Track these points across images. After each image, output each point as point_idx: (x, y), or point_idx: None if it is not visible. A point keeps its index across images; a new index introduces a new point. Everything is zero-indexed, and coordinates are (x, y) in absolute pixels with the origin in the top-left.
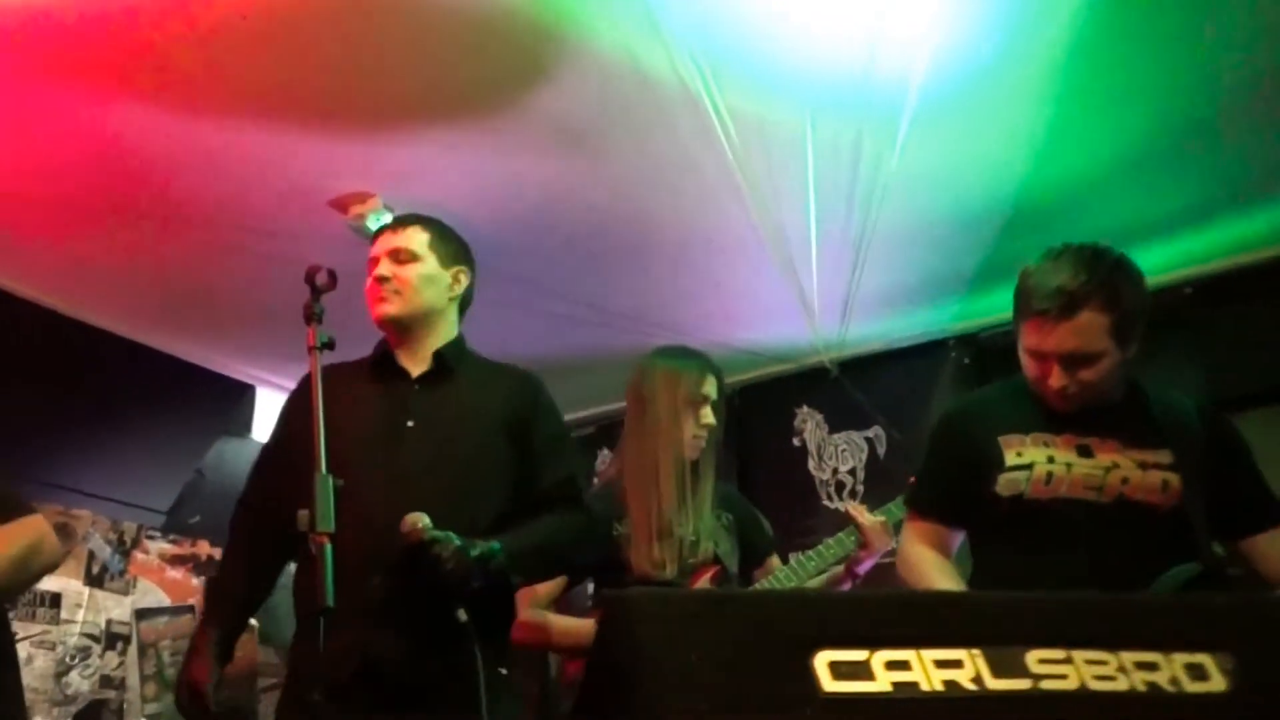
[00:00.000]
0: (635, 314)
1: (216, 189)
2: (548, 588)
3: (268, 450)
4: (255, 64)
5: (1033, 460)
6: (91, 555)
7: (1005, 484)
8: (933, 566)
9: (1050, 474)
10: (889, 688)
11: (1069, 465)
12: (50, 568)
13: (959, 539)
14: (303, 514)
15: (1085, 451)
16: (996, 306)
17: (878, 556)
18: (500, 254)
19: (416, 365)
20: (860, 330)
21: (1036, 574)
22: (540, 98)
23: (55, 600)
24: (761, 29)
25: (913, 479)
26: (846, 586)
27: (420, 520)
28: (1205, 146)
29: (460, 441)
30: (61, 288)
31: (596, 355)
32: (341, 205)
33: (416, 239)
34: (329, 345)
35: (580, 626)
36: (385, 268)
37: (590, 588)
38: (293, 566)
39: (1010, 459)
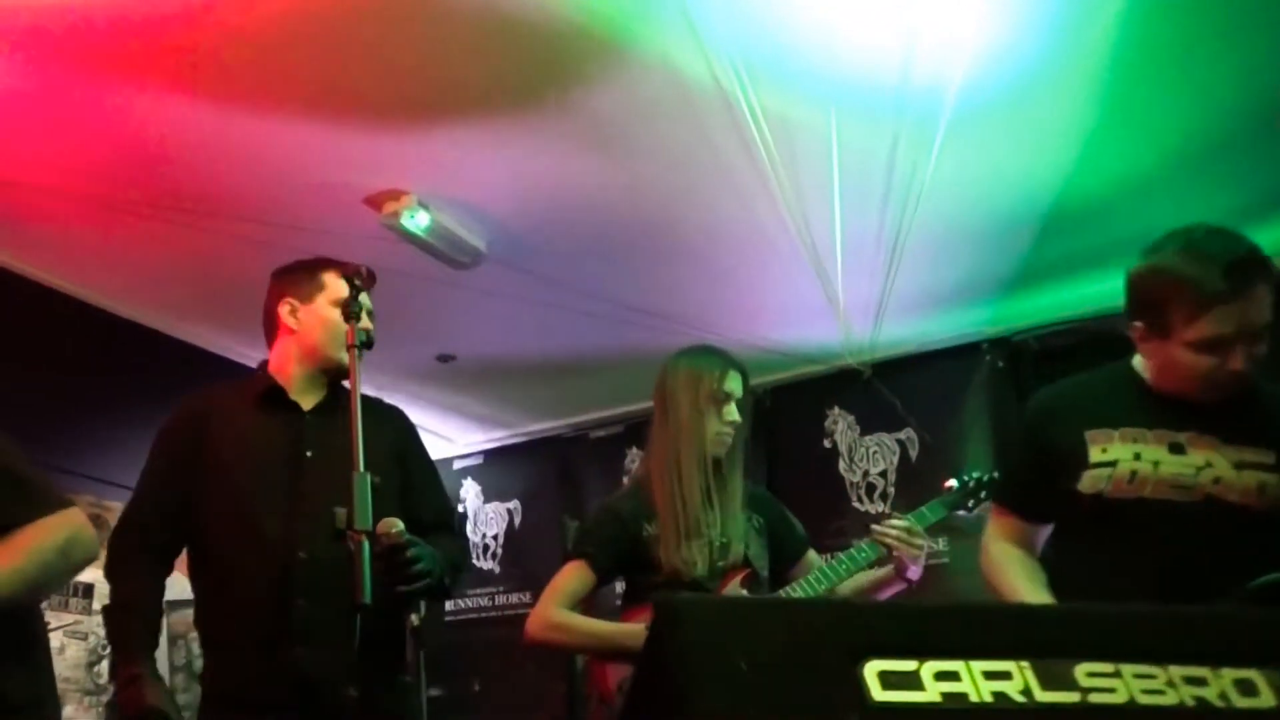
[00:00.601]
0: (666, 314)
1: (253, 185)
2: (572, 585)
3: (157, 470)
4: (293, 62)
5: (1117, 458)
6: None
7: (1088, 482)
8: (1012, 564)
9: (1134, 473)
10: (938, 698)
11: (1156, 463)
12: (89, 560)
13: (1044, 533)
14: (340, 512)
15: (1177, 449)
16: (1031, 310)
17: (923, 561)
18: (532, 253)
19: (306, 398)
20: (893, 332)
21: (1112, 576)
22: (575, 97)
23: (88, 591)
24: (798, 31)
25: (948, 483)
26: (897, 590)
27: (395, 525)
28: (1244, 151)
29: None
30: (98, 281)
31: (626, 354)
32: (376, 202)
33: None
34: (368, 344)
35: (606, 629)
36: (368, 320)
37: (619, 587)
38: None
39: (1095, 455)
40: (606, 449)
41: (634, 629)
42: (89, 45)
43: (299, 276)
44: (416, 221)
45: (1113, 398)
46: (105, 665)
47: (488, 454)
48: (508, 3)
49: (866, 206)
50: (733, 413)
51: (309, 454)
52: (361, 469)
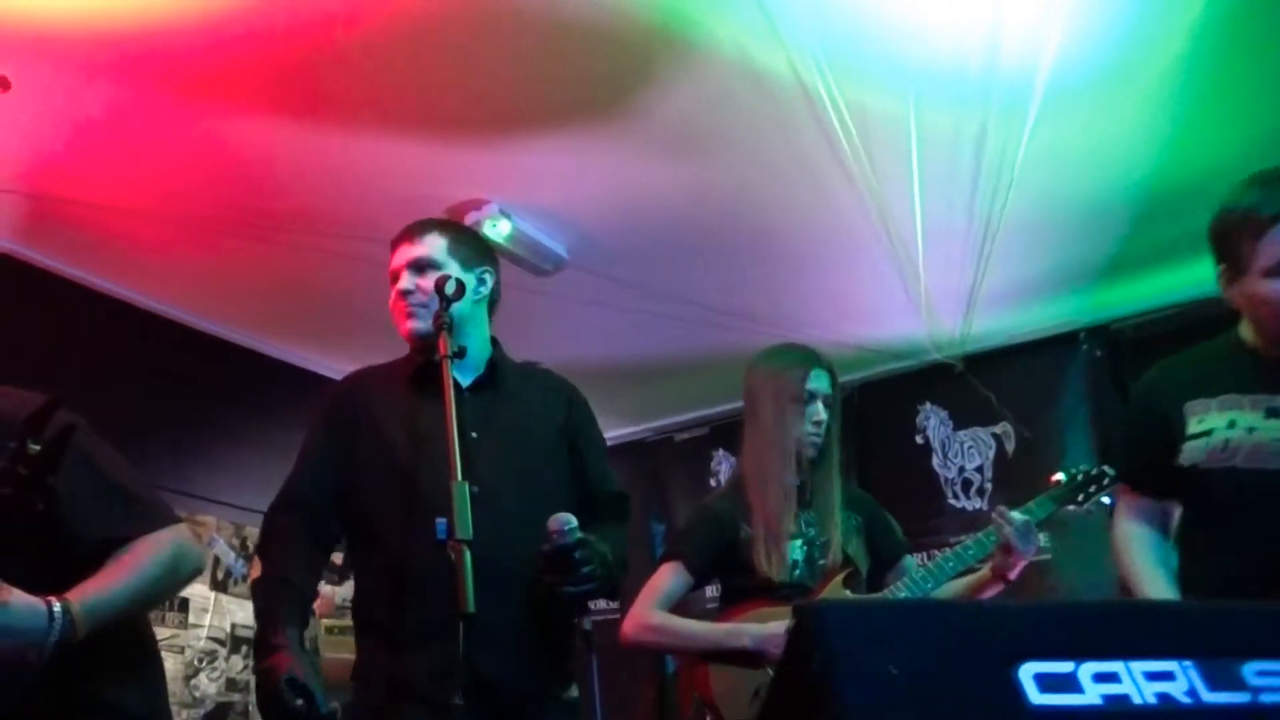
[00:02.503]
0: (750, 314)
1: (337, 200)
2: (668, 586)
3: (313, 449)
4: (375, 79)
5: (1212, 427)
6: (216, 560)
7: (1186, 455)
8: (1134, 543)
9: (1227, 441)
10: (1099, 700)
11: (1251, 429)
12: (195, 574)
13: (1176, 510)
14: (440, 521)
15: (1274, 413)
16: (1129, 297)
17: (1027, 559)
18: (613, 257)
19: (461, 374)
20: (984, 324)
21: (1215, 554)
22: (653, 100)
23: (183, 605)
24: (879, 21)
25: (1054, 478)
26: (995, 591)
27: (570, 522)
28: None
29: (528, 451)
30: (187, 300)
31: (709, 356)
32: (458, 212)
33: (434, 245)
34: (460, 354)
35: (707, 630)
36: (407, 280)
37: (714, 589)
38: None
39: (1191, 427)
40: (691, 451)
41: (735, 629)
42: (177, 70)
43: None
44: (498, 230)
45: (1214, 367)
46: (202, 678)
47: None
48: (581, 9)
49: (954, 196)
50: (818, 412)
51: (473, 434)
52: (459, 478)
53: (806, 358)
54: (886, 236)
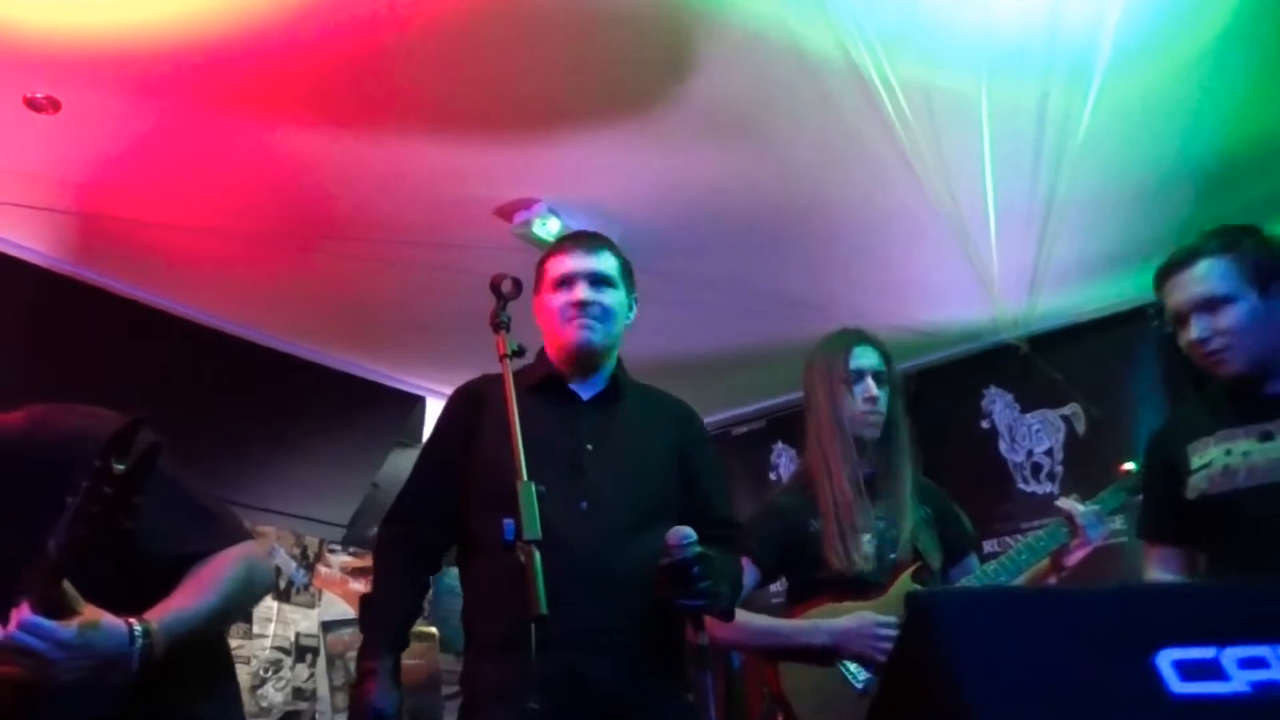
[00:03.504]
0: (805, 302)
1: (385, 206)
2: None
3: (427, 462)
4: (419, 84)
5: (1211, 459)
6: (278, 570)
7: (1191, 488)
8: None
9: (1226, 466)
10: (1246, 688)
11: (1246, 453)
12: (268, 590)
13: (1201, 560)
14: (508, 522)
15: (1267, 436)
16: None
17: (1090, 547)
18: (663, 250)
19: (585, 388)
20: (1049, 303)
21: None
22: (698, 87)
23: (247, 615)
24: None
25: (1124, 467)
26: (1054, 580)
27: (690, 536)
28: None
29: (640, 467)
30: (240, 312)
31: (765, 347)
32: (507, 213)
33: (611, 264)
34: (519, 353)
35: (784, 626)
36: (587, 292)
37: (778, 585)
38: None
39: (1194, 463)
40: (750, 445)
41: (810, 625)
42: (223, 84)
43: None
44: (547, 228)
45: (1209, 407)
46: (268, 688)
47: None
48: (624, 1)
49: (1015, 172)
50: (869, 388)
51: (589, 447)
52: (525, 478)
53: (848, 335)
54: (946, 216)
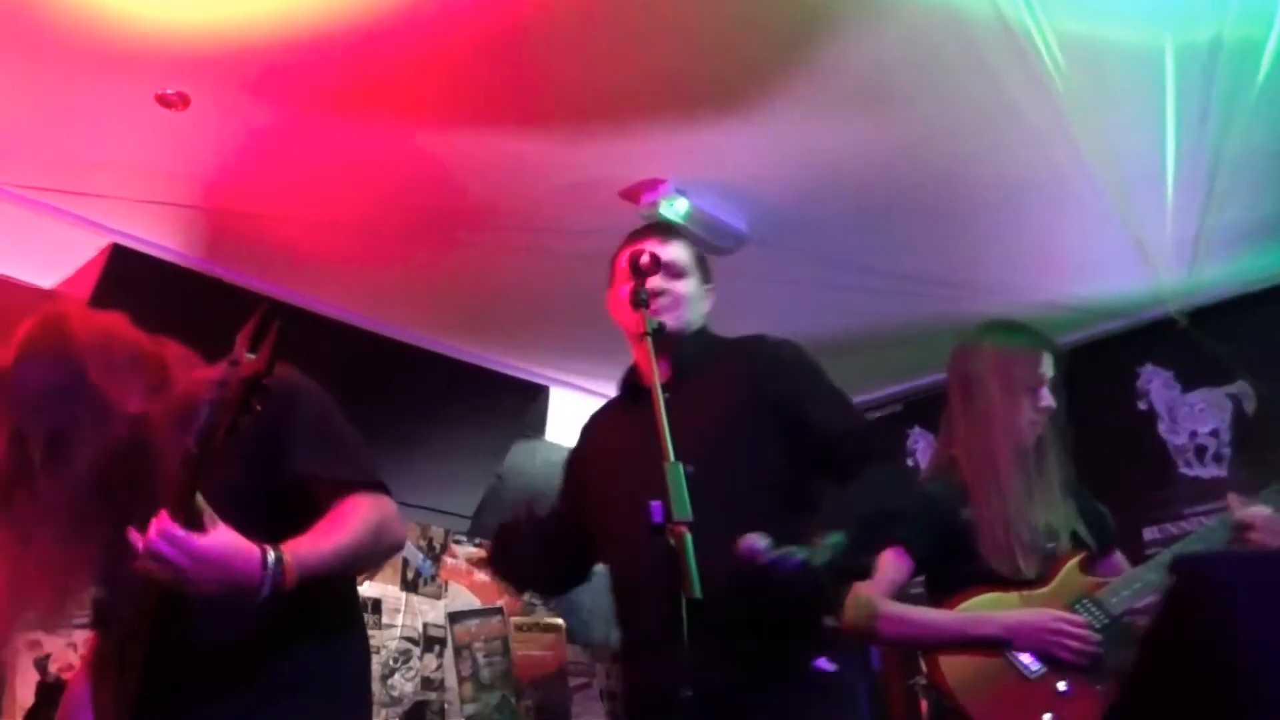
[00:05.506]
0: (946, 280)
1: (509, 194)
2: (891, 574)
3: (560, 492)
4: (540, 68)
5: None
6: (405, 561)
7: None
8: None
9: None
10: None
11: None
12: (397, 547)
13: None
14: (655, 504)
15: None
16: None
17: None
18: (797, 229)
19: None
20: (1213, 273)
21: None
22: (839, 55)
23: (376, 606)
24: None
25: None
26: None
27: (758, 543)
28: None
29: (709, 438)
30: (365, 304)
31: (903, 328)
32: (633, 195)
33: (684, 254)
34: (660, 331)
35: (948, 618)
36: (660, 280)
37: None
38: None
39: None
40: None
41: (979, 616)
42: (347, 78)
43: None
44: (675, 209)
45: None
46: (398, 678)
47: None
48: None
49: (1183, 129)
50: (1047, 398)
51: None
52: (672, 459)
53: (1038, 340)
54: (1105, 181)
